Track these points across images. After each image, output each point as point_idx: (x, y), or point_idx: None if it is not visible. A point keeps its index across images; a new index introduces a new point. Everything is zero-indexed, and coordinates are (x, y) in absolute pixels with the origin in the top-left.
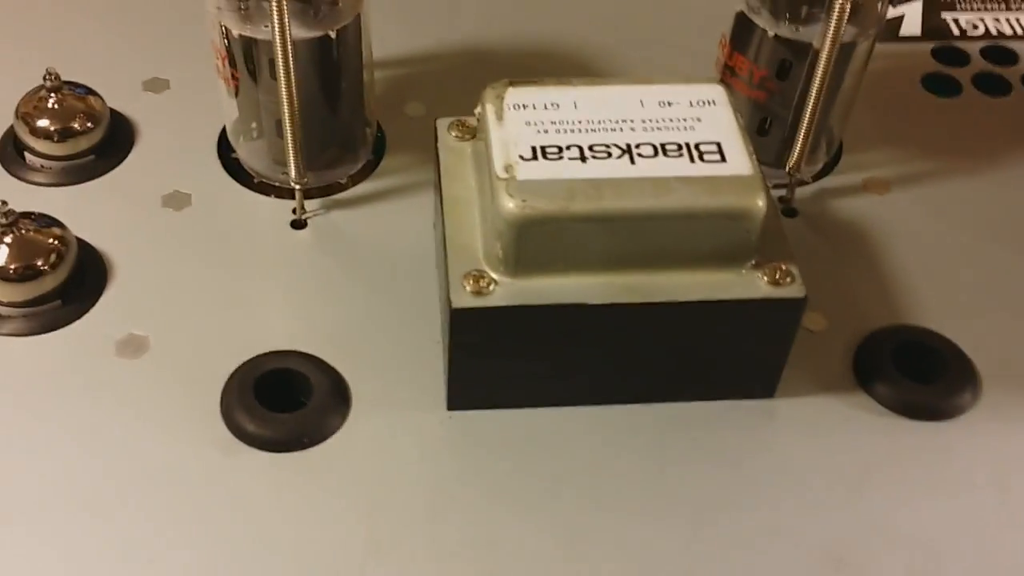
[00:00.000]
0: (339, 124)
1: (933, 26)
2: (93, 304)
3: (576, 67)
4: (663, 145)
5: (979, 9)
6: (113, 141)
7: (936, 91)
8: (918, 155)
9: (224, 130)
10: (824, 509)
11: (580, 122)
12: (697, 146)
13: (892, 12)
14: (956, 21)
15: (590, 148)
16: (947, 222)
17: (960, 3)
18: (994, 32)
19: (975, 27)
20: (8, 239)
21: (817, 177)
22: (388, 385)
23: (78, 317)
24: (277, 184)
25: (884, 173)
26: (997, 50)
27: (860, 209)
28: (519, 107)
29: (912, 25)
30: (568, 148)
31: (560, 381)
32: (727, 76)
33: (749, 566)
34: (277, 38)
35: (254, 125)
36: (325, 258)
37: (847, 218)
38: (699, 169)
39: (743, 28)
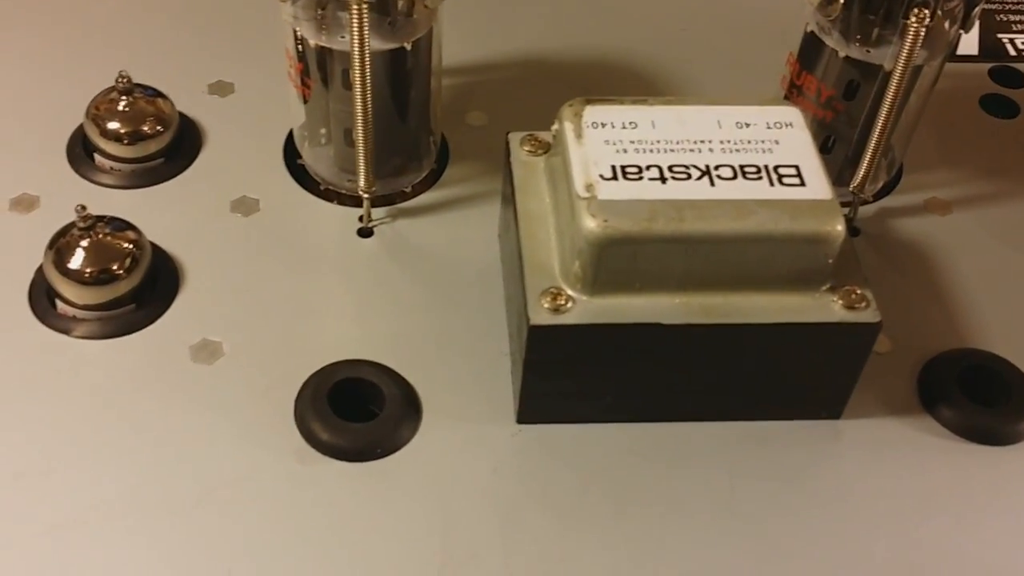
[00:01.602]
0: (406, 133)
1: (990, 46)
2: (167, 308)
3: (640, 83)
4: (742, 167)
5: None
6: (181, 145)
7: (994, 112)
8: (978, 176)
9: (290, 135)
10: (888, 532)
11: (659, 142)
12: (776, 168)
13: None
14: (1012, 42)
15: (670, 168)
16: (1009, 244)
17: (1015, 24)
18: None
19: None
20: (85, 243)
21: (878, 196)
22: (457, 396)
23: (152, 321)
24: (343, 191)
25: (945, 194)
26: None
27: (922, 229)
28: (597, 125)
29: (969, 45)
30: (648, 168)
31: (631, 398)
32: (793, 95)
33: None
34: (356, 49)
35: (323, 131)
36: (392, 267)
37: (909, 238)
38: (778, 192)
39: (812, 47)
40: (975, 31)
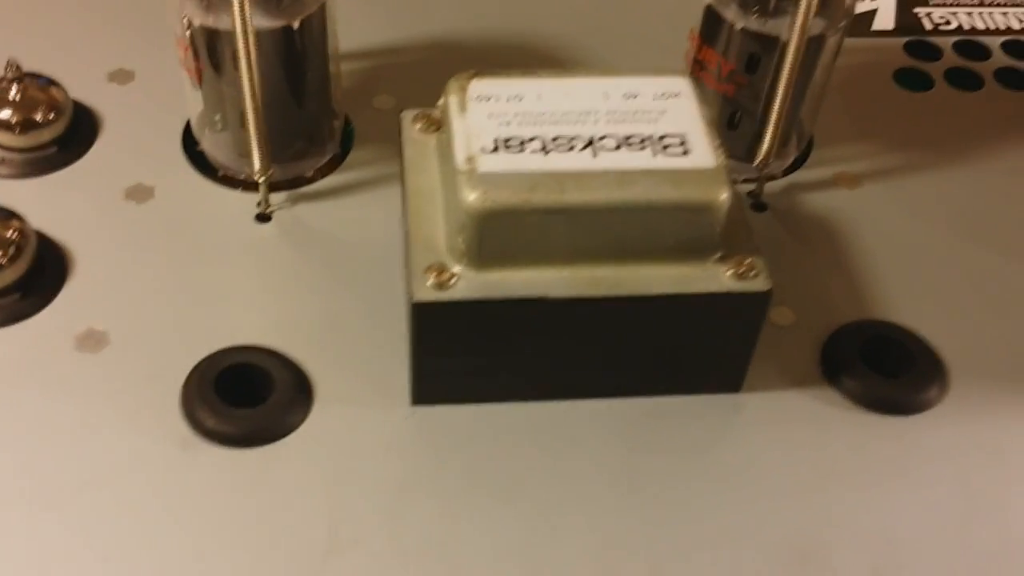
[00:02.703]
0: (304, 116)
1: (906, 21)
2: (53, 298)
3: (547, 60)
4: (626, 138)
5: (952, 4)
6: (76, 133)
7: (908, 86)
8: (889, 150)
9: (189, 123)
10: (790, 504)
11: (543, 114)
12: (661, 138)
13: (866, 6)
14: (929, 16)
15: (553, 140)
16: (917, 217)
17: None
18: (966, 27)
19: (947, 22)
20: None
21: (787, 172)
22: (352, 381)
23: (37, 311)
24: (242, 177)
25: (855, 168)
26: (969, 45)
27: (830, 204)
28: (483, 99)
29: (885, 19)
30: (531, 140)
31: (524, 376)
32: (696, 70)
33: (715, 561)
34: (239, 28)
35: (218, 117)
36: (290, 252)
37: (817, 213)
38: (662, 162)
39: (712, 21)
40: (891, 6)
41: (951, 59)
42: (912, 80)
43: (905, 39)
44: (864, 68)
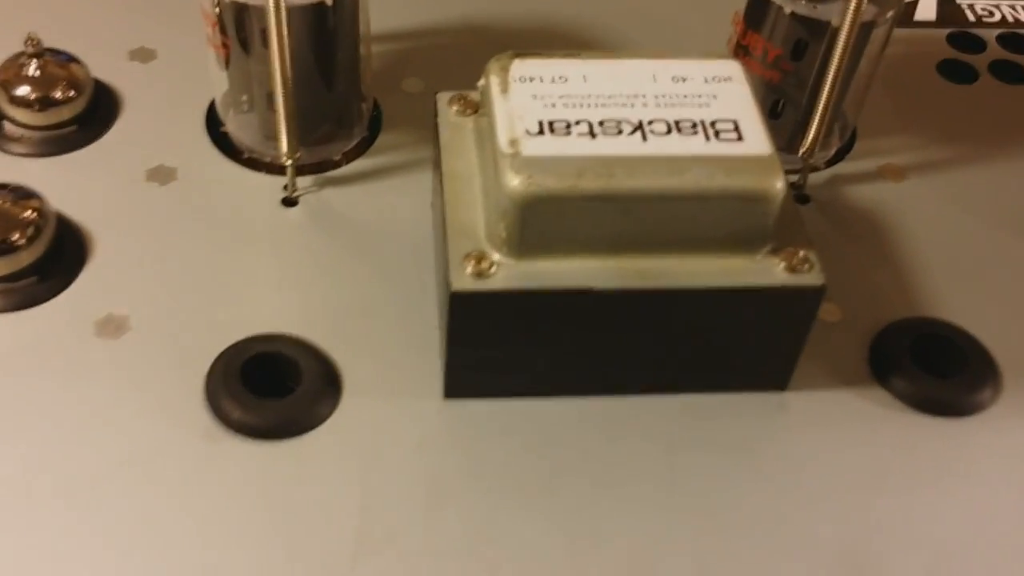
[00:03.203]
0: (333, 98)
1: (948, 11)
2: (72, 281)
3: (583, 44)
4: (677, 122)
5: None
6: (96, 111)
7: (952, 78)
8: (935, 142)
9: (213, 103)
10: (837, 506)
11: (590, 96)
12: (713, 124)
13: None
14: (972, 7)
15: (600, 124)
16: (965, 211)
17: None
18: (1010, 19)
19: (991, 14)
20: None
21: (830, 163)
22: (382, 372)
23: (56, 294)
24: (268, 160)
25: (899, 160)
26: (1013, 37)
27: (875, 196)
28: (525, 80)
29: (927, 10)
30: (577, 123)
31: (564, 370)
32: (740, 55)
33: (759, 564)
34: (271, 4)
35: (245, 97)
36: (317, 237)
37: (861, 205)
38: (715, 148)
39: (758, 5)
40: None
41: (995, 51)
42: (955, 72)
43: (948, 30)
44: (907, 59)
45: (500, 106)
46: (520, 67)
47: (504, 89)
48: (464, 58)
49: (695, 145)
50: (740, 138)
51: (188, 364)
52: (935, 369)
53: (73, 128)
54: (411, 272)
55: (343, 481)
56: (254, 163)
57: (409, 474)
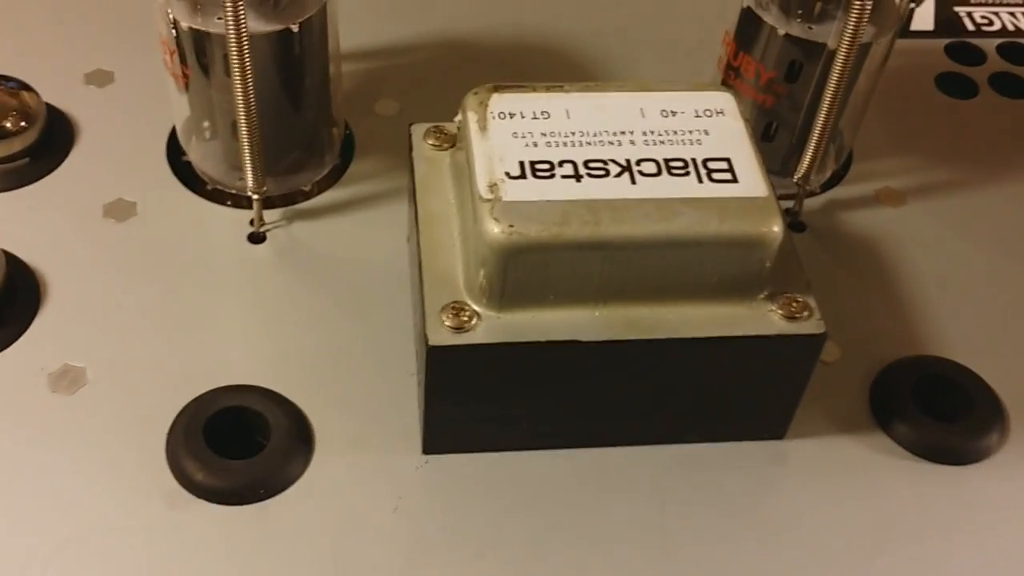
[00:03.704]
0: (302, 125)
1: (946, 20)
2: (24, 330)
3: (566, 66)
4: (667, 161)
5: (994, 4)
6: (49, 142)
7: (951, 92)
8: (935, 163)
9: (174, 130)
10: (839, 562)
11: (574, 134)
12: (705, 163)
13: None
14: (970, 15)
15: (585, 164)
16: (967, 238)
17: None
18: (1010, 28)
19: (990, 22)
20: None
21: (826, 187)
22: (357, 425)
23: (7, 345)
24: (233, 191)
25: (898, 183)
26: (1014, 48)
27: (873, 223)
28: (505, 116)
29: (924, 19)
30: (561, 164)
31: (550, 423)
32: (731, 77)
33: None
34: (232, 32)
35: (207, 125)
36: (286, 277)
37: (859, 233)
38: (708, 190)
39: (750, 25)
40: (930, 4)
41: (995, 63)
42: (955, 86)
43: (946, 41)
44: (904, 72)
45: (478, 146)
46: (499, 102)
47: (483, 127)
48: (441, 76)
49: (687, 187)
50: (734, 178)
51: (148, 420)
52: (939, 412)
53: (24, 161)
54: (387, 312)
55: (315, 547)
56: (219, 195)
57: (386, 538)
